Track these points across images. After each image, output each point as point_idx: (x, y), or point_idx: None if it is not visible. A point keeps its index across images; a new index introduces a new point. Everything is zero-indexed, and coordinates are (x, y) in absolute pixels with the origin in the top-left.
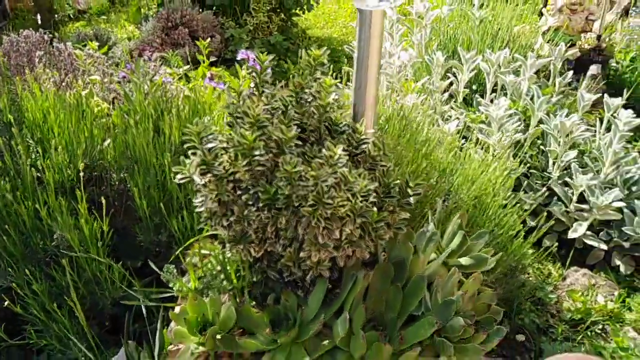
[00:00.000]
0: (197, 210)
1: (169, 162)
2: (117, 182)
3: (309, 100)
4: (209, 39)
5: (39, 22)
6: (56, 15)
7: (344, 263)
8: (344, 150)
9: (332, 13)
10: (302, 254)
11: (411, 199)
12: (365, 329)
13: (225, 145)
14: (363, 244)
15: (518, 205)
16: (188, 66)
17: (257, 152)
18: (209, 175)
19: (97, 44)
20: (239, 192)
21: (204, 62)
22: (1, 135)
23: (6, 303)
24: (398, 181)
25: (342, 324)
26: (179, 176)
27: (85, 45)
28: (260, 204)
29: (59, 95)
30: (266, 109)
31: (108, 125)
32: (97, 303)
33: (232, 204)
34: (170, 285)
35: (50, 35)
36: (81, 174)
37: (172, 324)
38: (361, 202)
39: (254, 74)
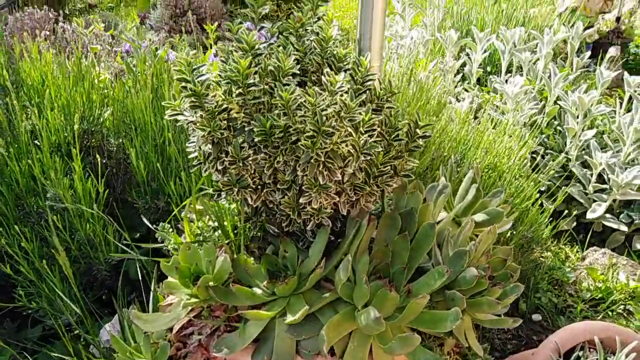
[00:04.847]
0: (190, 156)
1: (168, 123)
2: (115, 149)
3: (310, 37)
4: (216, 24)
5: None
6: (67, 8)
7: (346, 211)
8: (347, 85)
9: (344, 5)
10: (301, 200)
11: (420, 141)
12: (369, 281)
13: (218, 79)
14: (368, 189)
15: (534, 175)
16: (195, 51)
17: (251, 81)
18: (200, 110)
19: (103, 25)
20: (233, 133)
21: (211, 46)
22: None
23: None
24: (406, 121)
25: (344, 269)
26: (168, 112)
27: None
28: (256, 139)
29: (58, 60)
30: (263, 47)
31: (109, 96)
32: (92, 268)
33: (227, 144)
34: (165, 243)
35: (55, 14)
36: (76, 126)
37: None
38: (364, 136)
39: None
